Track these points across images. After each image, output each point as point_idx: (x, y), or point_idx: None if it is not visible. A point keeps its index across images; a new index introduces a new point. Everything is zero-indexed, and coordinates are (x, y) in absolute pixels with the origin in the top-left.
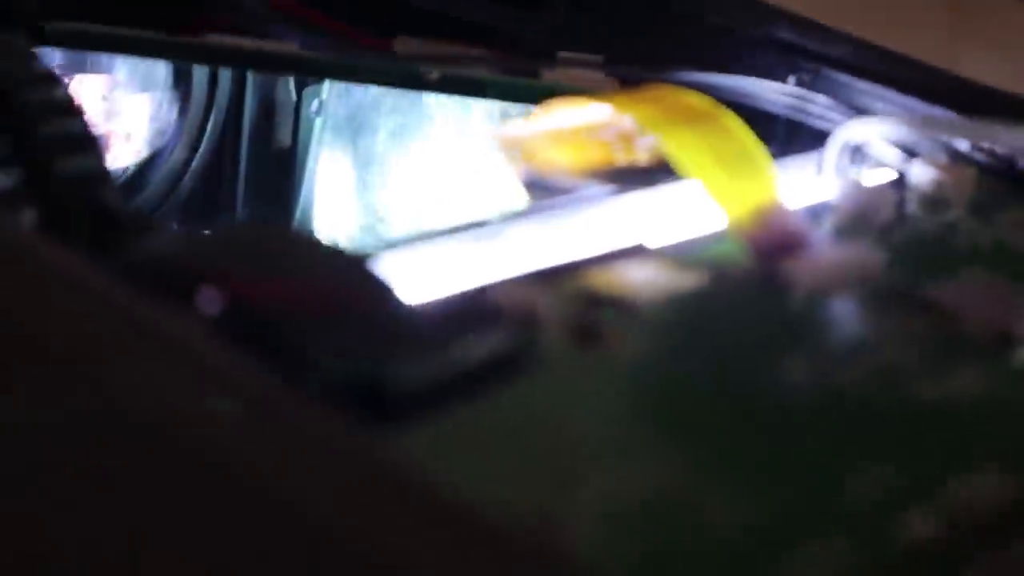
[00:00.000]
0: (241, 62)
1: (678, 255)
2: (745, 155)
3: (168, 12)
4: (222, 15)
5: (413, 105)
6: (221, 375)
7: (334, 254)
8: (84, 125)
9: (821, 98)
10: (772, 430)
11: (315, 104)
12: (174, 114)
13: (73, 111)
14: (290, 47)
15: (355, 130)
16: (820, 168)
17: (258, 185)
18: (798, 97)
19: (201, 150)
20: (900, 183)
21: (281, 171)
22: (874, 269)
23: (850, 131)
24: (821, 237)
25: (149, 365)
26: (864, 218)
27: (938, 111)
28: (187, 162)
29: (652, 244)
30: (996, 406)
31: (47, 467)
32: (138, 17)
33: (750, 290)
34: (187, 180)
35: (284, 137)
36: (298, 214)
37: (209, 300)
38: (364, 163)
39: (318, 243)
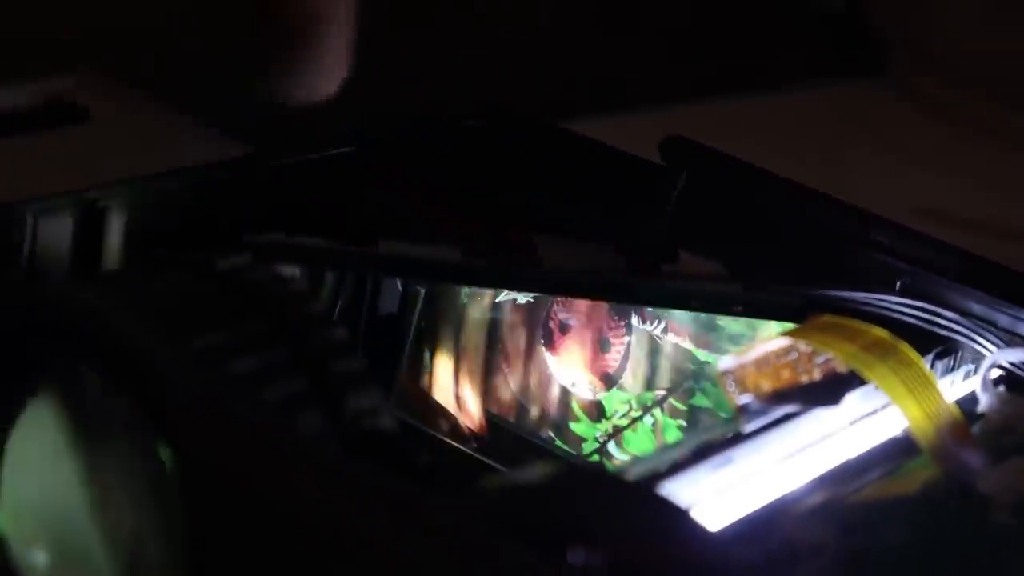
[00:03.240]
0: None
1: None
2: (923, 380)
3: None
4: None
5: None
6: None
7: (650, 498)
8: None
9: (947, 312)
10: None
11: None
12: None
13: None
14: (450, 255)
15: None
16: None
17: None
18: (927, 310)
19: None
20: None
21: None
22: None
23: (1000, 355)
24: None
25: None
26: (1009, 428)
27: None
28: None
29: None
30: None
31: None
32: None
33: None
34: None
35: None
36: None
37: (579, 557)
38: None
39: (626, 483)
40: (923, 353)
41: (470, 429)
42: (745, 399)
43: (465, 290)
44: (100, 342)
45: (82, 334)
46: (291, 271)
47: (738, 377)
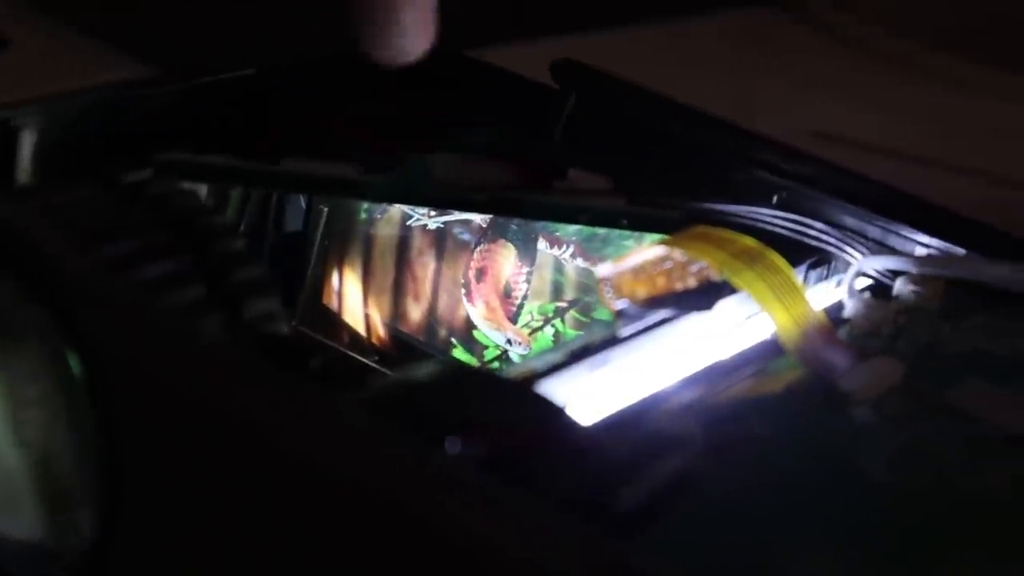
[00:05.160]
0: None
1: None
2: (790, 285)
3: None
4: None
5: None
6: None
7: (522, 389)
8: (261, 273)
9: (816, 224)
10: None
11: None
12: None
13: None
14: (348, 172)
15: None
16: (840, 288)
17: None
18: (798, 223)
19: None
20: (889, 296)
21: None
22: (899, 377)
23: (864, 263)
24: (848, 348)
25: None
26: (873, 331)
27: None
28: None
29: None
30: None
31: None
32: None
33: (816, 399)
34: None
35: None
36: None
37: (455, 444)
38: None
39: (504, 382)
40: (797, 263)
41: (375, 344)
42: (621, 304)
43: (366, 209)
44: (11, 251)
45: None
46: (195, 187)
47: (615, 284)
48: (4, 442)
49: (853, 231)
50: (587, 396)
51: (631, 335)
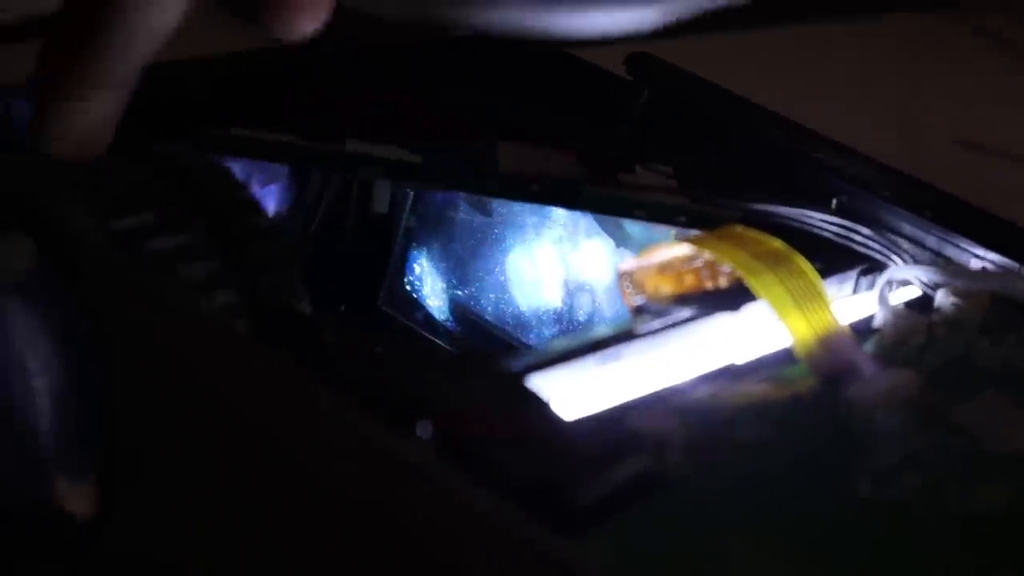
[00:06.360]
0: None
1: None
2: (812, 291)
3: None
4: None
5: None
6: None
7: (504, 380)
8: (282, 250)
9: (864, 230)
10: (836, 532)
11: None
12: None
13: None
14: (398, 153)
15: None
16: (873, 296)
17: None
18: (845, 227)
19: (313, 226)
20: (928, 307)
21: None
22: (913, 390)
23: (896, 272)
24: (869, 358)
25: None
26: (901, 341)
27: (956, 238)
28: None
29: (738, 362)
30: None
31: None
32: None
33: (820, 409)
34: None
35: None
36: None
37: (426, 429)
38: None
39: (492, 370)
40: (847, 269)
41: (447, 325)
42: (640, 300)
43: (444, 193)
44: (29, 212)
45: (16, 203)
46: (232, 163)
47: (637, 279)
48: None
49: (910, 239)
50: (588, 390)
51: (649, 331)
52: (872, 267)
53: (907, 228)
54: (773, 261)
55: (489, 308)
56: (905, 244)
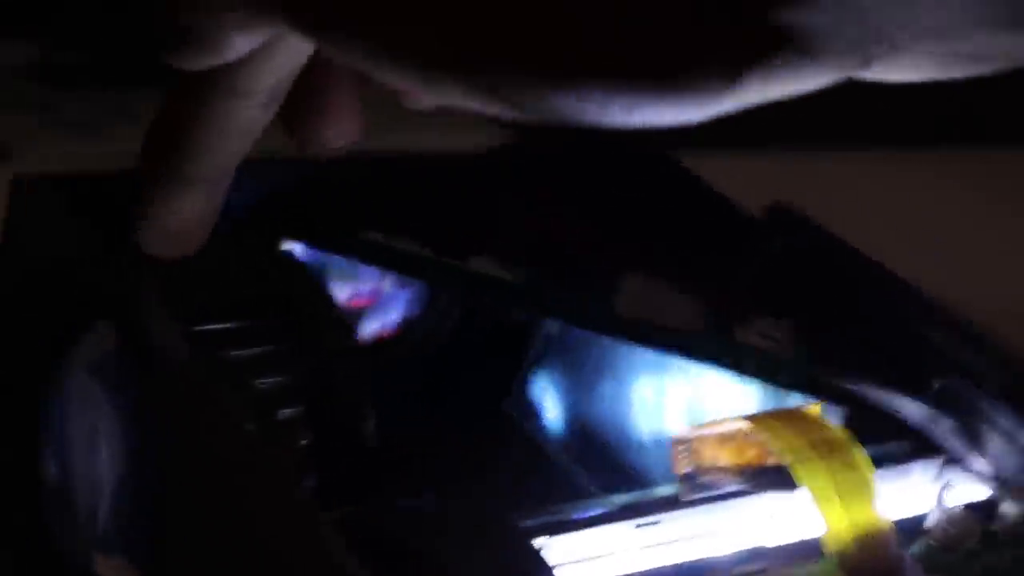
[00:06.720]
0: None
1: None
2: (862, 487)
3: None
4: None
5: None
6: None
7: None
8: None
9: (946, 422)
10: None
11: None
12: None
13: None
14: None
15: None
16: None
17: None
18: (928, 419)
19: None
20: (990, 512)
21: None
22: None
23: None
24: (911, 562)
25: None
26: (951, 547)
27: None
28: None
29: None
30: None
31: None
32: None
33: None
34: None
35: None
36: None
37: None
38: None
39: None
40: (931, 458)
41: (568, 439)
42: (688, 469)
43: None
44: (119, 306)
45: (107, 293)
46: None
47: (694, 447)
48: None
49: (1004, 435)
50: (613, 553)
51: (692, 500)
52: (949, 460)
53: (1002, 423)
54: (827, 451)
55: (612, 432)
56: (996, 440)
